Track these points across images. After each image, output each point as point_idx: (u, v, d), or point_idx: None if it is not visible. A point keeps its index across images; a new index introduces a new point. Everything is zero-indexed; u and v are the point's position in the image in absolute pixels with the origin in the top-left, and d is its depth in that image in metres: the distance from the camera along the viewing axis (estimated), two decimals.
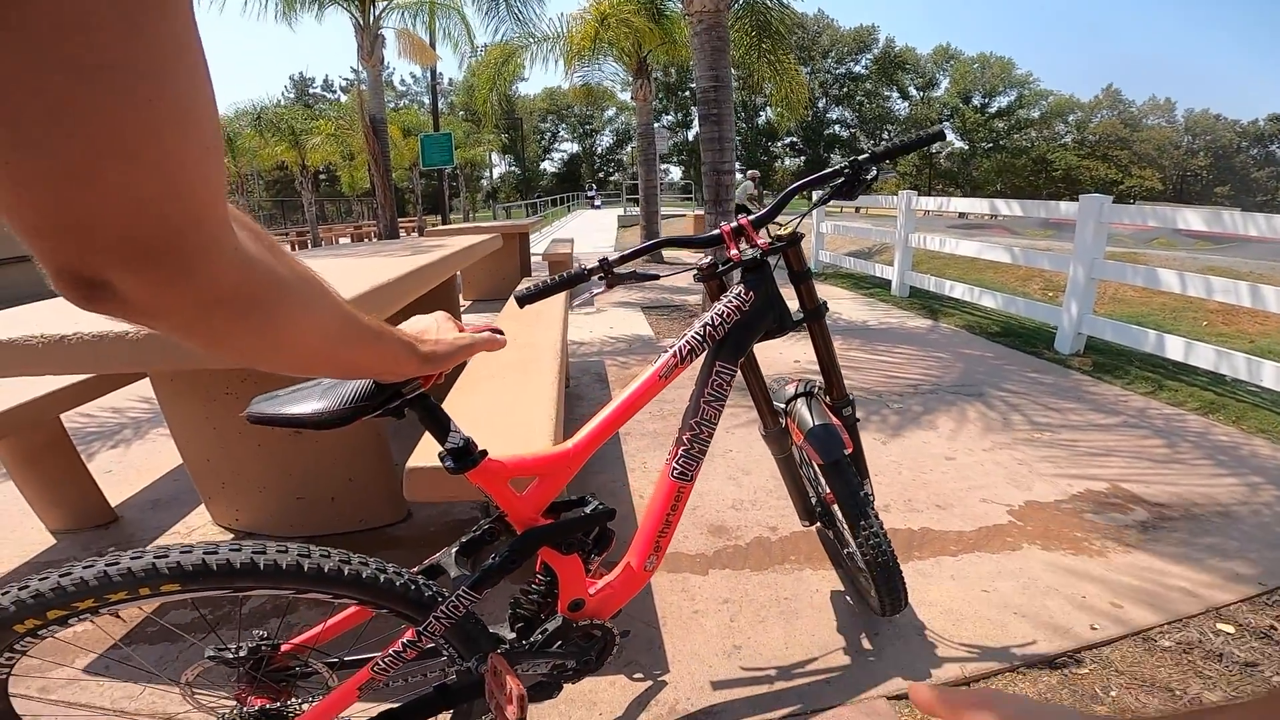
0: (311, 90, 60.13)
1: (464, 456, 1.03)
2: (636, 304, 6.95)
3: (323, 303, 0.54)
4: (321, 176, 37.48)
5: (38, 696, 1.14)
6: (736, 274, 1.34)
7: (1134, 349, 4.54)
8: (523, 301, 1.28)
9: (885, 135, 57.69)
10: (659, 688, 1.66)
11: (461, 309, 7.14)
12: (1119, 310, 5.96)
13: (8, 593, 0.90)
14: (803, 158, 58.46)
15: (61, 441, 2.49)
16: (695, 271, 1.39)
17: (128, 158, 0.30)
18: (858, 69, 57.12)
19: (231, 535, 2.43)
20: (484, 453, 1.05)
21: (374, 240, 14.99)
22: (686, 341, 1.24)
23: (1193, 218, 4.14)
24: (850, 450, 1.58)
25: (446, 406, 1.85)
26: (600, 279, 1.29)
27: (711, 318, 1.27)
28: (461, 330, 0.93)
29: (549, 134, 68.07)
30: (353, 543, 2.32)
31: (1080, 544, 2.26)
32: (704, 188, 5.74)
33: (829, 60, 56.40)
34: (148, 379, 2.41)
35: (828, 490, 1.69)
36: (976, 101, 54.63)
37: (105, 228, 0.32)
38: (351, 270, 2.43)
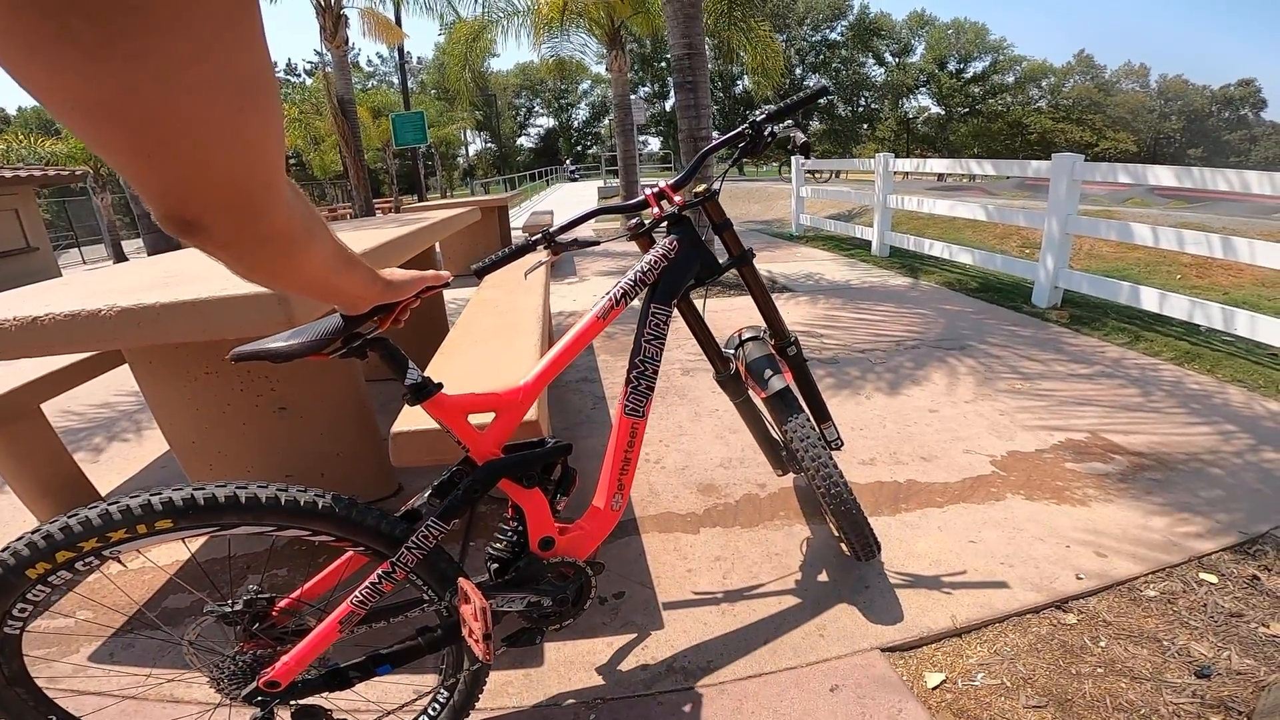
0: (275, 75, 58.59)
1: (420, 390, 1.13)
2: (619, 273, 6.93)
3: (326, 236, 0.66)
4: (291, 161, 36.74)
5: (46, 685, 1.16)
6: (664, 230, 1.48)
7: (1110, 301, 4.61)
8: (480, 273, 1.38)
9: (863, 101, 57.46)
10: (656, 645, 1.69)
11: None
12: (1095, 265, 6.03)
13: (20, 538, 0.98)
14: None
15: (44, 431, 2.47)
16: (625, 233, 1.52)
17: (230, 150, 0.41)
18: (834, 36, 56.59)
19: None
20: (439, 385, 1.16)
21: (350, 220, 14.79)
22: (620, 287, 1.37)
23: (1164, 174, 4.17)
24: (789, 381, 1.71)
25: (433, 370, 1.87)
26: (545, 249, 1.42)
27: (642, 265, 1.42)
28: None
29: (524, 109, 67.01)
30: None
31: (1063, 493, 2.30)
32: (682, 155, 5.70)
33: (805, 28, 55.78)
34: (127, 367, 2.38)
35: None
36: (952, 67, 54.59)
37: (211, 192, 0.43)
38: None
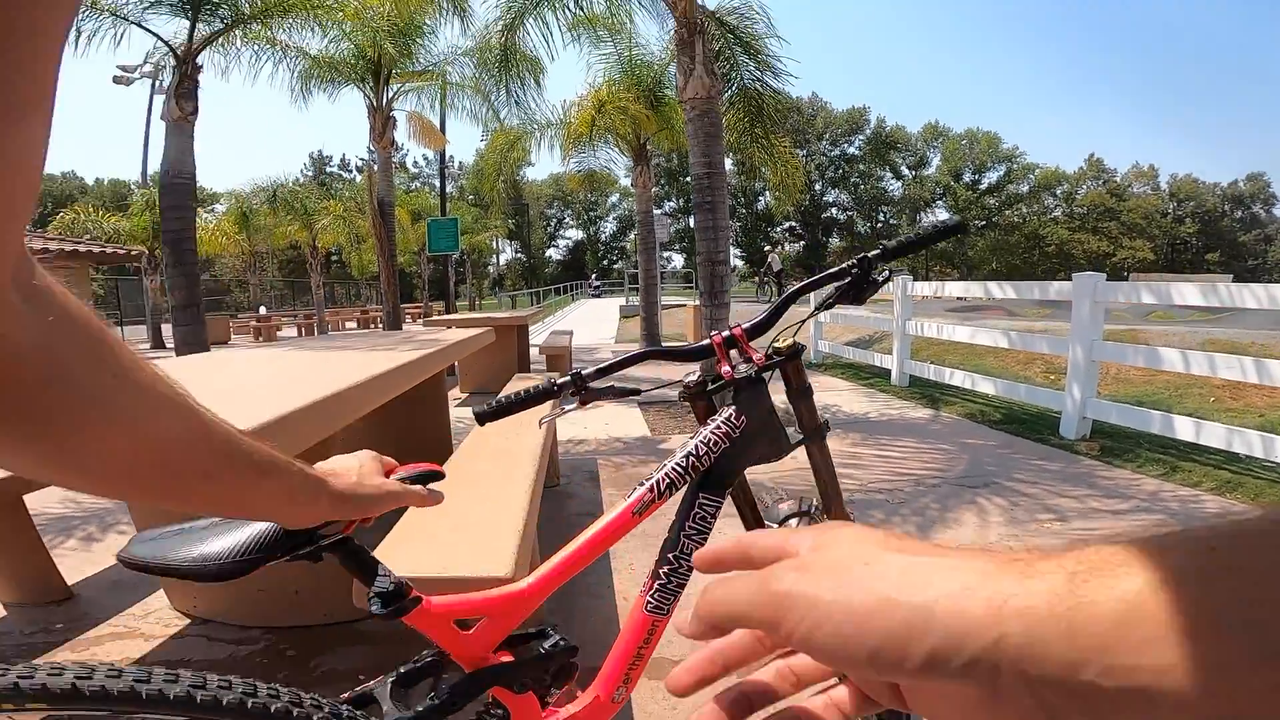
0: (329, 169, 61.30)
1: (394, 600, 0.92)
2: (633, 399, 6.83)
3: (157, 419, 0.44)
4: (333, 258, 38.11)
5: None
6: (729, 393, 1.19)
7: (1142, 431, 4.40)
8: (482, 419, 1.16)
9: (881, 216, 58.84)
10: None
11: (457, 401, 7.09)
12: (1123, 390, 5.85)
13: None
14: (802, 242, 59.49)
15: (20, 516, 2.44)
16: (680, 389, 1.23)
17: None
18: (852, 150, 58.68)
19: (188, 621, 2.35)
20: (417, 599, 0.94)
21: (379, 326, 15.03)
22: (665, 474, 1.08)
23: (1189, 292, 4.09)
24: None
25: (399, 530, 1.66)
26: (572, 394, 1.15)
27: (696, 446, 1.09)
28: (391, 473, 0.82)
29: (555, 220, 69.53)
30: (317, 637, 2.21)
31: None
32: (698, 279, 5.74)
33: (824, 143, 58.04)
34: None
35: None
36: (967, 178, 55.82)
37: None
38: (322, 365, 2.34)
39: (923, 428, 5.28)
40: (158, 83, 7.08)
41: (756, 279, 30.30)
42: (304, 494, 0.63)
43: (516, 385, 3.34)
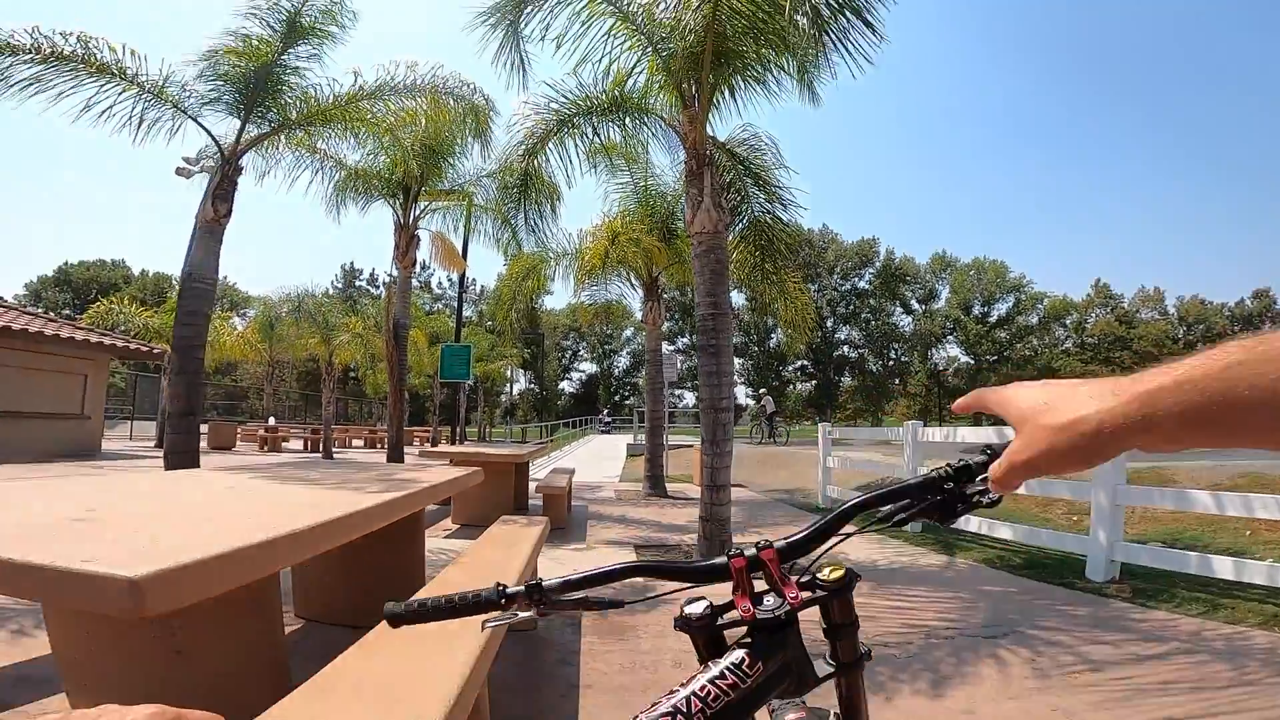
0: (358, 283, 61.85)
1: None
2: (629, 542, 6.48)
3: None
4: (351, 374, 38.34)
5: None
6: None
7: (1177, 571, 4.04)
8: (394, 620, 0.83)
9: (892, 353, 58.87)
10: None
11: (447, 532, 6.78)
12: (1153, 529, 5.50)
13: None
14: (813, 381, 59.41)
15: None
16: (678, 621, 0.86)
17: None
18: (862, 284, 58.96)
19: None
20: None
21: (382, 447, 14.75)
22: None
23: None
24: None
25: None
26: (517, 612, 0.81)
27: (688, 700, 0.74)
28: None
29: (570, 352, 70.34)
30: None
31: None
32: (701, 425, 5.54)
33: (835, 276, 58.52)
34: None
35: None
36: (977, 311, 55.54)
37: None
38: (273, 502, 2.17)
39: (936, 575, 4.91)
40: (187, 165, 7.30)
41: (752, 421, 29.91)
42: None
43: (486, 551, 3.09)
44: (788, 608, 0.77)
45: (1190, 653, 2.88)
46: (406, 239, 10.34)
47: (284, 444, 21.91)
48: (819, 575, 0.81)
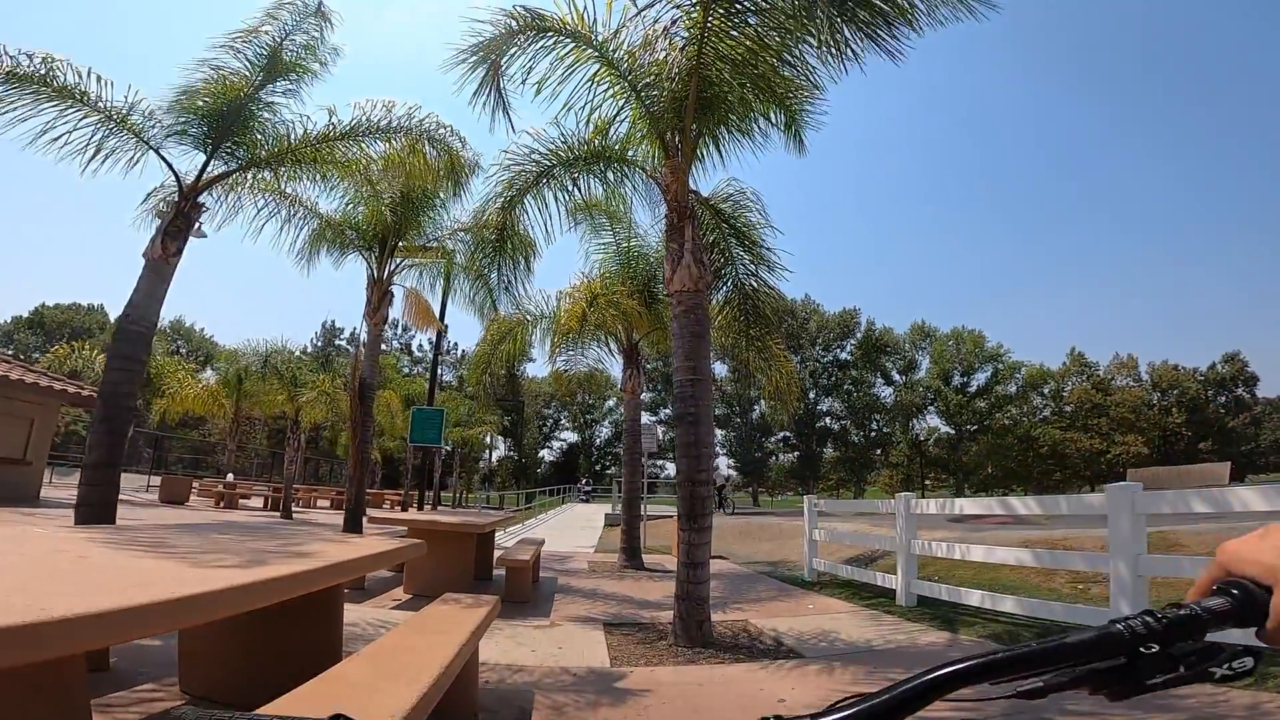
0: (338, 341, 60.32)
1: None
2: (598, 618, 5.83)
3: None
4: (324, 433, 37.24)
5: None
6: None
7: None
8: None
9: (874, 424, 59.08)
10: None
11: (396, 603, 6.12)
12: (1172, 595, 4.92)
13: None
14: (796, 453, 59.22)
15: None
16: None
17: None
18: (844, 355, 59.89)
19: None
20: None
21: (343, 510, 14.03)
22: None
23: (1250, 497, 3.44)
24: None
25: None
26: None
27: None
28: None
29: (551, 420, 69.63)
30: None
31: None
32: (678, 500, 5.07)
33: (817, 348, 59.42)
34: None
35: None
36: (956, 381, 56.48)
37: None
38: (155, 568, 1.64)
39: (939, 655, 4.30)
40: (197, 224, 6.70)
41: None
42: None
43: (409, 636, 2.61)
44: None
45: None
46: (379, 294, 9.88)
47: (242, 501, 21.11)
48: None
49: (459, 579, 6.58)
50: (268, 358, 19.26)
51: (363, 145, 7.60)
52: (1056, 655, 0.53)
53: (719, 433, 60.19)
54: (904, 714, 0.53)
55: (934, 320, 61.31)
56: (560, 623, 5.66)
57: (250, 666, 2.98)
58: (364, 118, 7.45)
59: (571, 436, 69.24)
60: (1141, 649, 0.51)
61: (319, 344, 58.73)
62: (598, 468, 63.47)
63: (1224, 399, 57.75)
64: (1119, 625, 0.53)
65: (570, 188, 6.68)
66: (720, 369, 53.86)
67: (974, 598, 5.30)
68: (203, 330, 58.41)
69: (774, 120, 6.04)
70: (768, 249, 7.27)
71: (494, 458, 64.46)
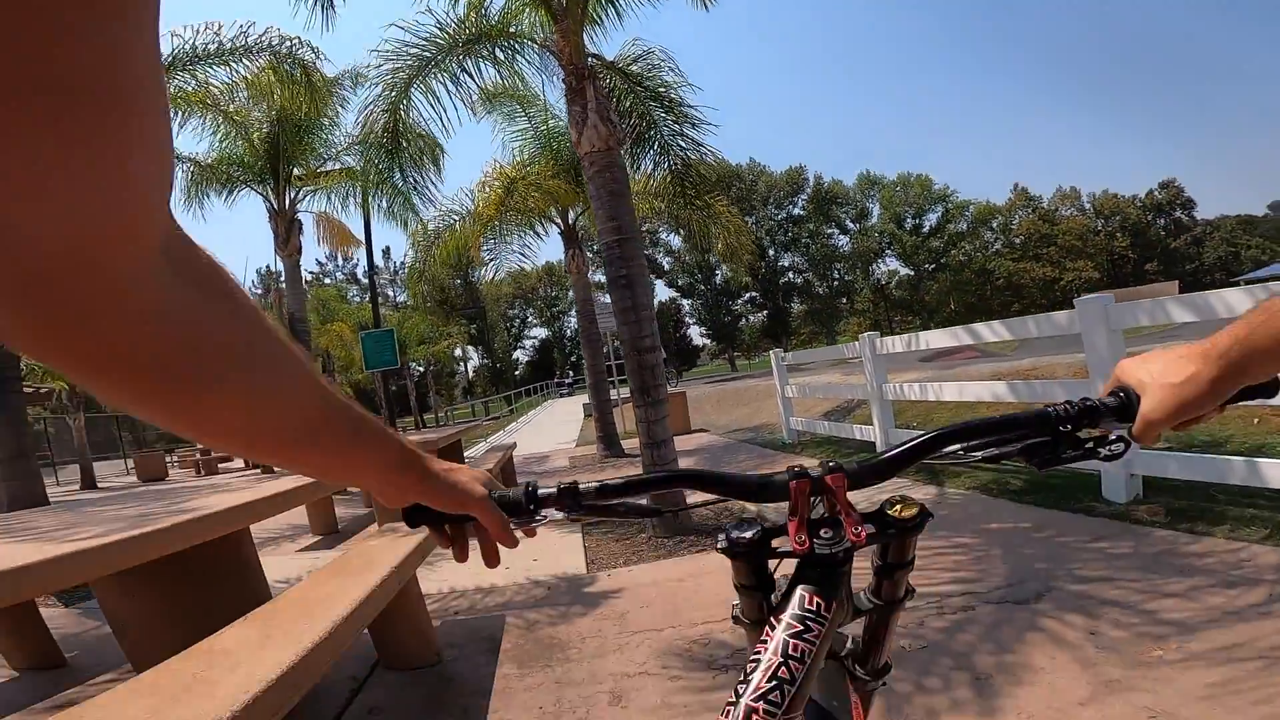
0: (282, 284, 59.17)
1: None
2: (573, 518, 5.61)
3: (279, 381, 0.47)
4: None
5: None
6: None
7: (1217, 482, 3.31)
8: (412, 520, 0.74)
9: (835, 273, 59.80)
10: None
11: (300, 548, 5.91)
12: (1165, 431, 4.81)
13: None
14: (764, 311, 59.83)
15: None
16: (723, 543, 0.72)
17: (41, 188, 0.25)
18: (797, 211, 60.17)
19: None
20: None
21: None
22: None
23: (1237, 300, 3.15)
24: None
25: None
26: (547, 515, 0.78)
27: (785, 663, 0.60)
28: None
29: (518, 320, 68.95)
30: None
31: None
32: (628, 373, 4.72)
33: (769, 207, 59.41)
34: None
35: None
36: (909, 224, 57.59)
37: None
38: None
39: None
40: None
41: None
42: (397, 468, 0.63)
43: (322, 583, 2.33)
44: (848, 544, 0.68)
45: None
46: (285, 225, 9.28)
47: (223, 464, 20.81)
48: (889, 510, 0.73)
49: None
50: None
51: (196, 74, 6.66)
52: (1002, 426, 0.71)
53: (685, 303, 60.38)
54: (893, 471, 0.72)
55: (880, 169, 62.11)
56: (468, 555, 5.45)
57: (175, 632, 2.74)
58: (185, 46, 6.48)
59: (542, 332, 68.87)
60: (1060, 428, 0.69)
61: (256, 291, 56.36)
62: (573, 359, 63.61)
63: (1164, 222, 59.67)
64: (1049, 408, 0.70)
65: (459, 74, 5.96)
66: (676, 241, 54.04)
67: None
68: None
69: None
70: (690, 107, 6.89)
71: (469, 369, 64.22)
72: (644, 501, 0.77)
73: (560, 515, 0.77)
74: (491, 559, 0.76)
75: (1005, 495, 4.14)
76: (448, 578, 4.23)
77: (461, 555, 0.76)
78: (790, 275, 60.04)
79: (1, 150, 0.24)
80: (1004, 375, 8.14)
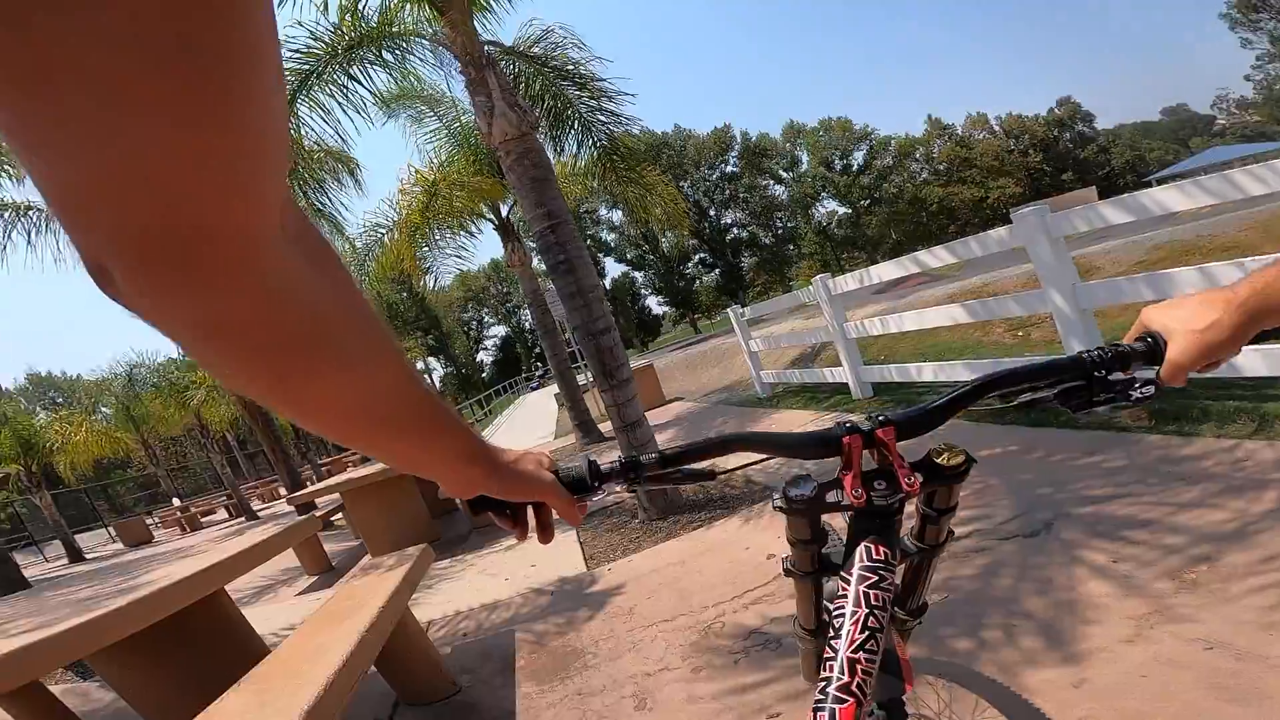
0: None
1: None
2: (561, 520, 5.48)
3: (380, 368, 0.46)
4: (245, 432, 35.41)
5: None
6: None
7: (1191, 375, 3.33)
8: (476, 509, 0.75)
9: (778, 222, 60.58)
10: None
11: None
12: (1120, 325, 4.86)
13: None
14: (716, 270, 60.15)
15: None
16: (780, 499, 0.75)
17: (176, 149, 0.26)
18: (729, 169, 60.73)
19: None
20: None
21: (282, 497, 13.48)
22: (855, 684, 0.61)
23: (1168, 198, 3.16)
24: (910, 689, 0.87)
25: None
26: (612, 489, 0.78)
27: (871, 613, 0.65)
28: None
29: (474, 322, 68.05)
30: None
31: None
32: (586, 358, 4.58)
33: (703, 169, 59.78)
34: None
35: None
36: (839, 165, 59.07)
37: (121, 213, 0.28)
38: None
39: (916, 448, 4.12)
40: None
41: None
42: (468, 460, 0.62)
43: (307, 635, 2.25)
44: (902, 495, 0.71)
45: None
46: None
47: (207, 518, 20.32)
48: (937, 458, 0.74)
49: (415, 525, 6.16)
50: (131, 374, 18.08)
51: None
52: (1039, 373, 0.73)
53: (638, 275, 60.23)
54: (940, 420, 0.74)
55: (802, 118, 63.33)
56: (528, 535, 5.34)
57: (184, 698, 2.67)
58: None
59: (502, 330, 68.13)
60: (1095, 373, 0.71)
61: None
62: (536, 350, 63.16)
63: (1068, 136, 62.71)
64: (1084, 354, 0.73)
65: (346, 84, 5.61)
66: (618, 217, 53.80)
67: (927, 372, 5.09)
68: (77, 375, 54.23)
69: None
70: (604, 80, 6.75)
71: (436, 380, 63.33)
72: (699, 466, 0.79)
73: (620, 488, 0.78)
74: (547, 536, 0.77)
75: (989, 419, 4.13)
76: (450, 599, 4.11)
77: (523, 535, 0.76)
78: (735, 230, 60.39)
79: (149, 114, 0.24)
80: (957, 297, 8.22)
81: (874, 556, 0.68)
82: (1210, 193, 2.98)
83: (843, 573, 0.69)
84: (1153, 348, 0.71)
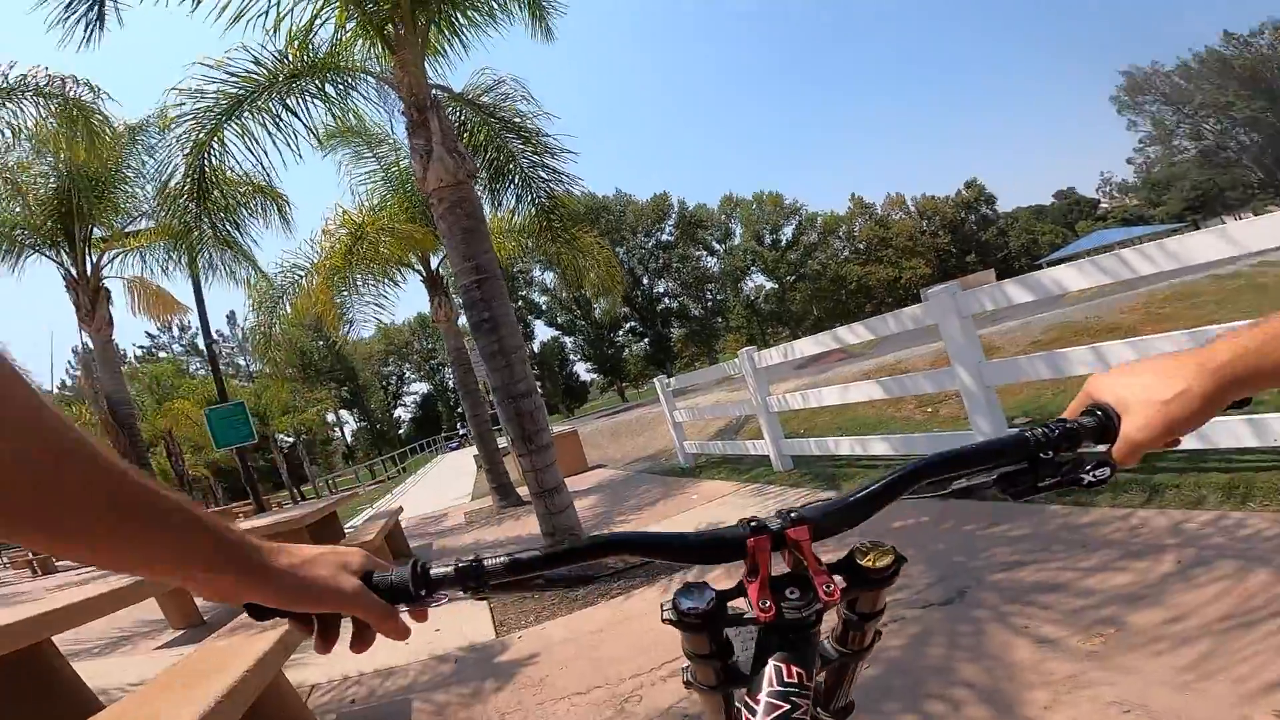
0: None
1: None
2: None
3: (32, 446, 0.42)
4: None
5: None
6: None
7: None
8: (258, 615, 0.62)
9: (708, 294, 62.17)
10: None
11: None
12: (1015, 404, 5.10)
13: None
14: (645, 339, 60.84)
15: None
16: (669, 609, 0.63)
17: None
18: (665, 237, 62.31)
19: None
20: None
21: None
22: None
23: (1067, 276, 3.40)
24: None
25: None
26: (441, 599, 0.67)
27: None
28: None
29: (394, 377, 66.11)
30: None
31: None
32: (504, 421, 4.45)
33: (639, 235, 61.01)
34: None
35: None
36: (768, 239, 61.45)
37: None
38: None
39: None
40: None
41: None
42: (205, 564, 0.52)
43: (151, 699, 1.97)
44: (819, 606, 0.60)
45: (1205, 563, 2.24)
46: (89, 295, 8.06)
47: (60, 563, 18.56)
48: (861, 559, 0.64)
49: None
50: None
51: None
52: (977, 457, 0.65)
53: (567, 340, 60.24)
54: (864, 514, 0.64)
55: (738, 189, 66.09)
56: (332, 646, 4.98)
57: None
58: None
59: (423, 387, 66.31)
60: (1040, 455, 0.63)
61: (74, 373, 48.61)
62: (458, 410, 61.62)
63: (973, 218, 67.21)
64: (1026, 433, 0.64)
65: (281, 115, 5.32)
66: (550, 277, 54.17)
67: (844, 446, 5.20)
68: None
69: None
70: (549, 136, 6.69)
71: (347, 434, 60.76)
72: (565, 571, 0.66)
73: (463, 596, 0.66)
74: (361, 646, 0.65)
75: None
76: (337, 662, 3.79)
77: (325, 647, 0.64)
78: (666, 300, 61.59)
79: None
80: (872, 373, 8.54)
81: (785, 679, 0.58)
82: (1105, 271, 3.21)
83: (748, 697, 0.59)
84: (1104, 423, 0.63)
